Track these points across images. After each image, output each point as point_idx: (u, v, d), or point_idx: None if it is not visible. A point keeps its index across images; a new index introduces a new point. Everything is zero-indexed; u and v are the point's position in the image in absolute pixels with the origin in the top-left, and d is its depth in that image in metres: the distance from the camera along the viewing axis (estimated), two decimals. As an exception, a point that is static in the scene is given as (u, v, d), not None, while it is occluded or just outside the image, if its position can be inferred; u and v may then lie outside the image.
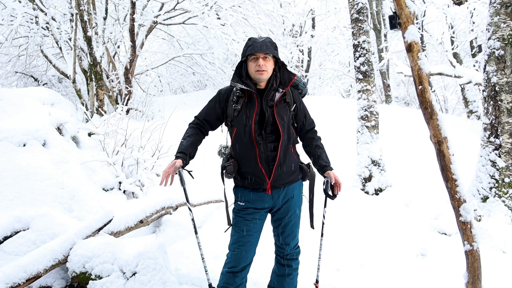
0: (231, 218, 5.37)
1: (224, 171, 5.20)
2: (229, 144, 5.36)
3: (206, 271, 5.36)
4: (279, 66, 5.18)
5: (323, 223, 5.62)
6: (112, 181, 10.65)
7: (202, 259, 5.34)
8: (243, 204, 5.18)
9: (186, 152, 5.02)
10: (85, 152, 11.25)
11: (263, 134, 4.96)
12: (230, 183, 5.35)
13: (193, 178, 5.32)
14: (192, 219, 5.30)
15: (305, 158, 5.49)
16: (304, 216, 5.57)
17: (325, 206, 5.59)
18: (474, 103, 25.35)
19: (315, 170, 5.59)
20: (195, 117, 5.38)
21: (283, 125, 4.99)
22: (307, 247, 6.96)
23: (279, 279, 5.56)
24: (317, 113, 20.98)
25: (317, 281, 5.68)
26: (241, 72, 5.10)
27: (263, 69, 4.89)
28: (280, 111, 5.02)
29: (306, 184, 5.55)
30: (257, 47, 4.88)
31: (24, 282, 5.43)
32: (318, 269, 5.69)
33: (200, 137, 5.27)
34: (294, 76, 5.18)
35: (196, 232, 5.30)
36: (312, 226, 5.50)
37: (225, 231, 5.51)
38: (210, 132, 5.46)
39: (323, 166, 5.36)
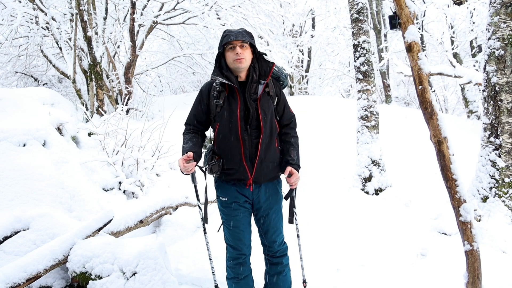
0: (208, 217, 5.40)
1: (206, 167, 5.19)
2: (212, 136, 5.30)
3: (213, 272, 5.43)
4: (257, 57, 5.18)
5: (296, 224, 5.58)
6: (112, 181, 10.67)
7: (210, 259, 5.38)
8: (226, 199, 5.20)
9: (193, 150, 4.99)
10: (85, 152, 11.26)
11: (248, 130, 4.95)
12: (209, 178, 5.34)
13: (203, 172, 5.33)
14: (202, 218, 5.33)
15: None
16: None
17: (293, 207, 5.49)
18: (474, 103, 25.32)
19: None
20: (186, 124, 5.37)
21: (265, 120, 4.98)
22: (305, 247, 6.96)
23: (272, 279, 5.53)
24: (317, 113, 21.04)
25: (304, 281, 5.71)
26: (221, 64, 5.09)
27: (241, 57, 4.88)
28: (264, 105, 5.02)
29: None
30: (233, 36, 4.89)
31: (24, 282, 5.43)
32: (302, 269, 5.72)
33: (199, 140, 5.25)
34: (273, 64, 5.18)
35: (205, 232, 5.36)
36: (290, 221, 5.46)
37: (217, 231, 5.49)
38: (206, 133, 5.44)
39: (285, 161, 5.23)
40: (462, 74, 17.16)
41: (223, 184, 5.24)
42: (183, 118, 5.53)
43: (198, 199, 5.37)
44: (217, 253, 6.78)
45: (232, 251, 5.29)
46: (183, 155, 4.98)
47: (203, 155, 5.36)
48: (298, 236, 5.65)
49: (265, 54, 5.23)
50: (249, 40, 4.98)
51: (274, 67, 5.23)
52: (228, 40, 4.89)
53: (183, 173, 4.95)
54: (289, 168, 5.09)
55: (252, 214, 5.42)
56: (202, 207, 5.43)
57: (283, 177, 5.41)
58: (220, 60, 5.11)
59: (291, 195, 5.36)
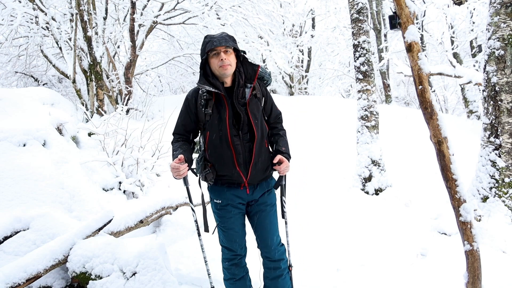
0: (208, 225, 5.35)
1: (201, 177, 5.18)
2: (201, 142, 5.23)
3: (208, 274, 5.42)
4: (241, 60, 5.14)
5: (284, 212, 5.53)
6: (112, 181, 10.66)
7: (205, 261, 5.38)
8: (220, 201, 5.18)
9: (185, 156, 4.94)
10: (85, 152, 11.27)
11: (240, 135, 4.91)
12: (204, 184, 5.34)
13: (196, 176, 5.31)
14: (195, 221, 5.31)
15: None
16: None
17: (282, 195, 5.49)
18: (474, 103, 25.31)
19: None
20: (174, 133, 5.31)
21: (256, 124, 4.95)
22: (305, 247, 6.97)
23: (271, 283, 5.50)
24: (317, 113, 21.04)
25: (290, 266, 5.68)
26: (206, 71, 5.01)
27: (226, 63, 4.82)
28: (253, 109, 4.99)
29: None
30: (216, 42, 4.81)
31: (24, 282, 5.43)
32: (288, 254, 5.68)
33: (189, 147, 5.20)
34: (258, 67, 5.13)
35: (199, 234, 5.34)
36: (282, 216, 5.51)
37: (212, 233, 5.46)
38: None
39: (276, 150, 5.20)
40: (462, 74, 17.16)
41: (217, 187, 5.21)
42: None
43: (191, 201, 5.35)
44: (214, 255, 6.79)
45: (227, 252, 5.31)
46: (174, 157, 4.96)
47: (194, 161, 5.34)
48: (286, 223, 5.64)
49: (244, 52, 5.20)
50: (233, 44, 4.92)
51: (260, 69, 5.19)
52: (212, 46, 4.80)
53: (175, 178, 4.89)
54: (278, 156, 5.05)
55: (247, 216, 5.43)
56: (196, 209, 5.43)
57: (275, 174, 5.42)
58: (205, 67, 5.04)
59: (280, 183, 5.34)
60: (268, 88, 6.07)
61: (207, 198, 5.84)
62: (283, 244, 5.54)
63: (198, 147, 5.38)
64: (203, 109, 4.98)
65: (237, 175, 4.98)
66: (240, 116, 4.91)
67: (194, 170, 5.28)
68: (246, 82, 5.07)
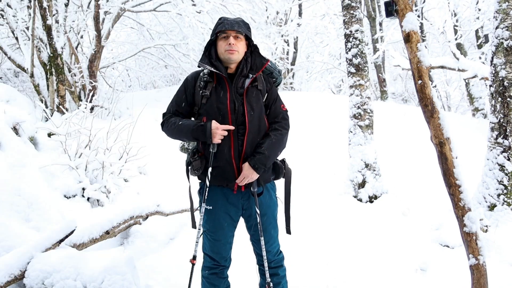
0: (196, 221, 5.35)
1: (189, 167, 5.18)
2: None
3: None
4: (251, 50, 5.22)
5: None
6: (74, 187, 10.59)
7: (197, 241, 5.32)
8: (210, 207, 5.16)
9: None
10: (44, 155, 11.18)
11: (234, 125, 4.94)
12: (195, 181, 5.33)
13: (187, 172, 5.32)
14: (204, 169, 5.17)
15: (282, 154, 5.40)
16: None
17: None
18: (480, 99, 25.38)
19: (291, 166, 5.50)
20: (164, 114, 5.35)
21: (251, 115, 4.96)
22: (290, 263, 6.97)
23: None
24: (304, 111, 21.04)
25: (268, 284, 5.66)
26: (210, 53, 5.11)
27: (234, 48, 4.92)
28: (250, 100, 5.02)
29: (282, 183, 5.50)
30: (228, 24, 4.93)
31: (-26, 301, 5.40)
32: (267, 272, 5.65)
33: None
34: (267, 61, 5.19)
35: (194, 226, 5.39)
36: (288, 231, 5.48)
37: (199, 236, 5.43)
38: None
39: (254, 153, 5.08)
40: (467, 67, 17.21)
41: (209, 191, 5.17)
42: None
43: (209, 163, 5.10)
44: (194, 268, 6.78)
45: (209, 260, 5.32)
46: (193, 129, 4.93)
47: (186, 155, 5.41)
48: (261, 237, 5.54)
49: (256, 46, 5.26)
50: (245, 31, 5.03)
51: (268, 63, 5.24)
52: (222, 28, 4.92)
53: (211, 141, 4.87)
54: (245, 165, 4.98)
55: (244, 221, 5.43)
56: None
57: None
58: (210, 48, 5.14)
59: (252, 191, 5.18)
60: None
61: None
62: (281, 252, 5.60)
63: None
64: (200, 91, 5.05)
65: (230, 168, 4.97)
66: (235, 105, 4.96)
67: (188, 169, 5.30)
68: (250, 72, 5.13)
